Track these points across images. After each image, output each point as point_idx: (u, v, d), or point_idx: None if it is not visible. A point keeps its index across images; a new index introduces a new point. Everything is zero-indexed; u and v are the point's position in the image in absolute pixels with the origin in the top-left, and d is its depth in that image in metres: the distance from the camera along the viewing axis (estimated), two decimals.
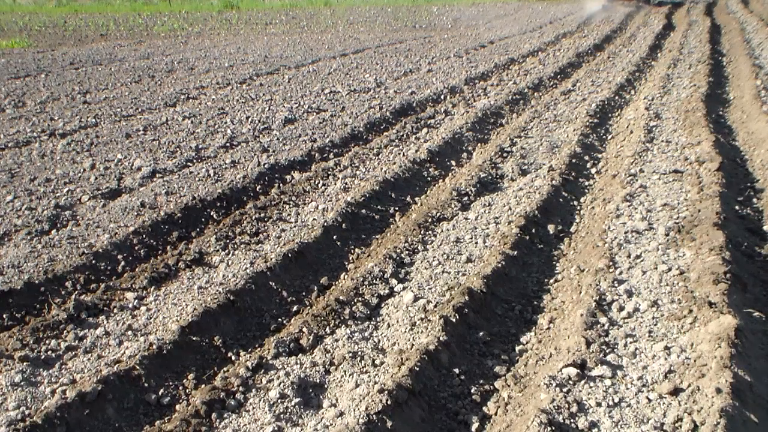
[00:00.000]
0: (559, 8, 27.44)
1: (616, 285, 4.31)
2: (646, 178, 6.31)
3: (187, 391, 3.57)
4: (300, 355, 3.77)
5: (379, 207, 6.07)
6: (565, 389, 3.24)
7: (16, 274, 4.72)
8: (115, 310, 4.31)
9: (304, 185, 6.60)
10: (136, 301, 4.42)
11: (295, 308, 4.45)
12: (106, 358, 3.80)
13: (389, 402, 3.14)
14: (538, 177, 6.61)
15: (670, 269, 4.43)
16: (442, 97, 10.89)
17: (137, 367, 3.56)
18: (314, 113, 9.73)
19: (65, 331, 4.05)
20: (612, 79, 11.56)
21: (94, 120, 9.56)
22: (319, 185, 6.67)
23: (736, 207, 5.74)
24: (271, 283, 4.59)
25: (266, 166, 7.09)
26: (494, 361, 3.80)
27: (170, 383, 3.60)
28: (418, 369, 3.44)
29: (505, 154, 7.56)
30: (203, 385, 3.54)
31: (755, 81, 10.31)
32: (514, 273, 4.75)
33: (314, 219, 5.79)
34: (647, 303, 4.05)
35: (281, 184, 6.77)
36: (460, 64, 14.16)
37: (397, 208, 6.13)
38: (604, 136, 8.34)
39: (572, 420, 3.05)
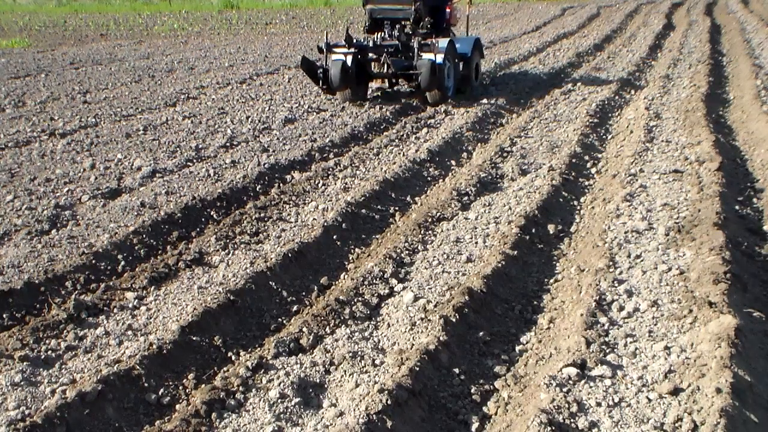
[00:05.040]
0: (559, 6, 27.44)
1: (616, 285, 4.31)
2: (646, 178, 6.31)
3: (187, 390, 3.58)
4: (300, 354, 3.77)
5: (379, 207, 6.07)
6: (565, 389, 3.24)
7: (16, 274, 4.72)
8: (115, 310, 4.31)
9: (304, 185, 6.60)
10: (136, 300, 4.42)
11: (295, 308, 4.46)
12: (106, 358, 3.80)
13: (389, 402, 3.14)
14: (538, 177, 6.61)
15: (670, 269, 4.43)
16: None
17: (137, 367, 3.56)
18: (314, 113, 9.72)
19: (65, 331, 4.05)
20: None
21: (94, 120, 9.56)
22: (319, 185, 6.67)
23: (736, 207, 5.74)
24: (271, 283, 4.59)
25: (266, 165, 7.09)
26: (494, 361, 3.80)
27: (170, 383, 3.60)
28: (418, 369, 3.44)
29: (505, 154, 7.56)
30: (203, 385, 3.54)
31: (755, 81, 10.31)
32: (514, 273, 4.75)
33: (314, 219, 5.79)
34: (647, 303, 4.05)
35: (281, 184, 6.77)
36: None
37: (397, 208, 6.13)
38: (604, 136, 8.34)
39: (572, 420, 3.05)
